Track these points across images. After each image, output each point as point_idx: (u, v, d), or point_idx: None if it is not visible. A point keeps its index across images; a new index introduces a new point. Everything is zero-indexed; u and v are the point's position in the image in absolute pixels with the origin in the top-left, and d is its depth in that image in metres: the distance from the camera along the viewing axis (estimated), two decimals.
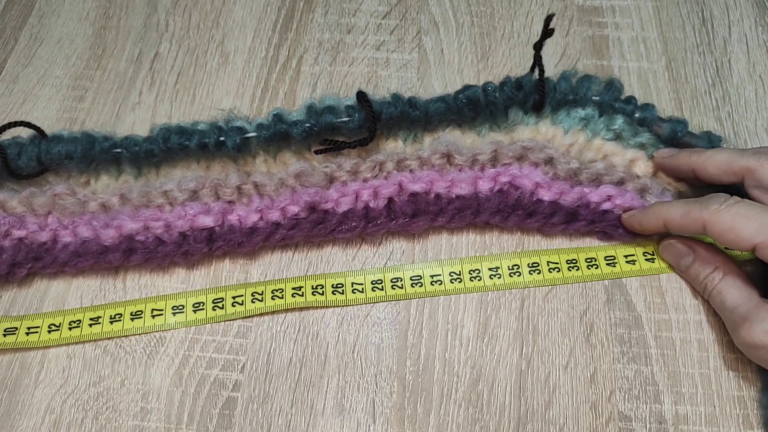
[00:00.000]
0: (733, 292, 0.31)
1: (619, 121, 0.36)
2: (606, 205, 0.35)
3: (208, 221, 0.35)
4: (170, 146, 0.34)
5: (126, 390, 0.33)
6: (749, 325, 0.30)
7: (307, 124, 0.34)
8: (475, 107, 0.36)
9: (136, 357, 0.34)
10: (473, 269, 0.35)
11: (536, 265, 0.35)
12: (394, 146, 0.37)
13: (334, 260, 0.36)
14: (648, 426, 0.32)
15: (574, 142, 0.37)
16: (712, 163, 0.33)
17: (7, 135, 0.36)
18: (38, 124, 0.41)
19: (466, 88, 0.36)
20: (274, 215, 0.35)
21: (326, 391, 0.33)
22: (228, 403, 0.33)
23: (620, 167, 0.36)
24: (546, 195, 0.35)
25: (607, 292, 0.35)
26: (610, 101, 0.36)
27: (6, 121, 0.41)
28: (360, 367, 0.33)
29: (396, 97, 0.35)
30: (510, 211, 0.36)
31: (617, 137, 0.36)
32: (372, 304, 0.35)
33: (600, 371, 0.33)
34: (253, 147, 0.35)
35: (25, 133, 0.36)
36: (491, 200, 0.35)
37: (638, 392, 0.32)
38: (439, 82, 0.42)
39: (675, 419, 0.32)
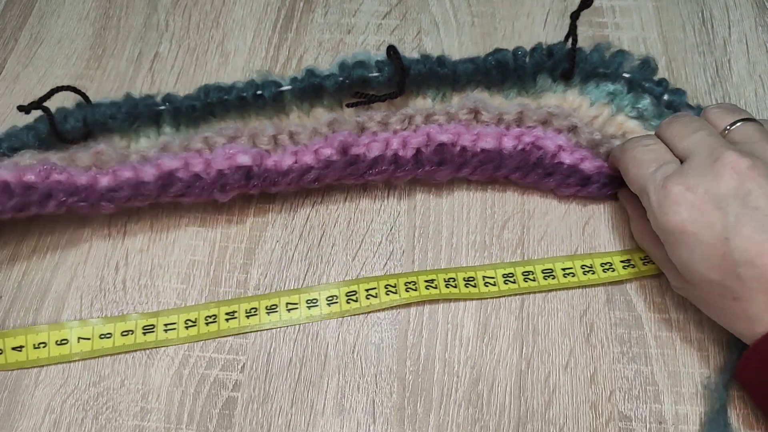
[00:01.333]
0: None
1: (645, 101, 0.36)
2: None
3: (245, 159, 0.35)
4: (210, 100, 0.36)
5: (126, 390, 0.33)
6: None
7: (339, 77, 0.36)
8: (503, 70, 0.37)
9: (136, 357, 0.34)
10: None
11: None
12: (423, 104, 0.38)
13: (334, 260, 0.36)
14: (648, 426, 0.32)
15: (599, 114, 0.37)
16: None
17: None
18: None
19: (497, 51, 0.37)
20: (308, 158, 0.36)
21: (326, 391, 0.33)
22: (228, 403, 0.33)
23: None
24: (567, 159, 0.36)
25: (607, 292, 0.35)
26: (640, 80, 0.36)
27: (6, 122, 0.41)
28: (360, 367, 0.33)
29: (425, 56, 0.37)
30: (530, 169, 0.37)
31: (640, 117, 0.37)
32: None
33: (600, 371, 0.33)
34: (287, 102, 0.37)
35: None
36: (513, 157, 0.36)
37: (638, 392, 0.32)
38: None
39: (675, 419, 0.32)
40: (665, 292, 0.35)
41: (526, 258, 0.36)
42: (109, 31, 0.46)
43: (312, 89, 0.36)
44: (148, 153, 0.36)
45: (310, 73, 0.37)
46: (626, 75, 0.37)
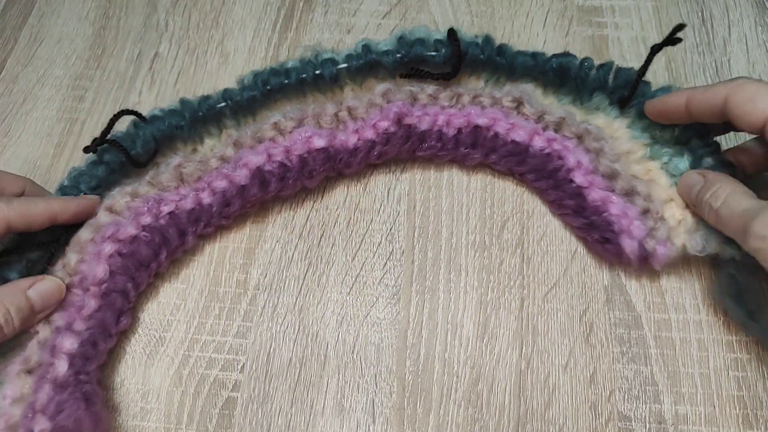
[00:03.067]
0: (744, 198, 0.30)
1: (683, 163, 0.35)
2: (614, 218, 0.34)
3: (321, 142, 0.36)
4: (271, 88, 0.37)
5: (126, 390, 0.33)
6: (764, 216, 0.28)
7: (398, 54, 0.37)
8: (562, 75, 0.37)
9: (135, 357, 0.34)
10: None
11: None
12: (475, 84, 0.39)
13: (334, 260, 0.36)
14: (648, 426, 0.32)
15: (633, 151, 0.36)
16: (701, 93, 0.32)
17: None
18: (38, 124, 0.41)
19: (564, 54, 0.37)
20: (369, 133, 0.37)
21: (326, 391, 0.33)
22: (228, 403, 0.33)
23: (655, 198, 0.35)
24: (579, 178, 0.35)
25: (606, 292, 0.35)
26: (690, 137, 0.35)
27: (5, 122, 0.41)
28: (360, 367, 0.33)
29: (486, 41, 0.37)
30: (545, 175, 0.37)
31: (669, 172, 0.35)
32: (372, 304, 0.35)
33: (600, 371, 0.33)
34: (342, 78, 0.37)
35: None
36: (536, 158, 0.37)
37: (638, 392, 0.32)
38: None
39: (675, 419, 0.32)
40: (665, 292, 0.35)
41: (525, 258, 0.36)
42: (108, 31, 0.45)
43: (369, 66, 0.37)
44: (224, 153, 0.36)
45: (367, 49, 0.37)
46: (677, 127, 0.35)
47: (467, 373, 0.33)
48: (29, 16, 0.46)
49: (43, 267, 0.33)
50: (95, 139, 0.34)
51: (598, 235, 0.35)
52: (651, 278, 0.35)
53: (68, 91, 0.43)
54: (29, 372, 0.30)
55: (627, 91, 0.36)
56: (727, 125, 0.34)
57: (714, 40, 0.44)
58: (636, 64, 0.42)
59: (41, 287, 0.31)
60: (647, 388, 0.33)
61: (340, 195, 0.38)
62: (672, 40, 0.34)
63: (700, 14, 0.45)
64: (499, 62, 0.37)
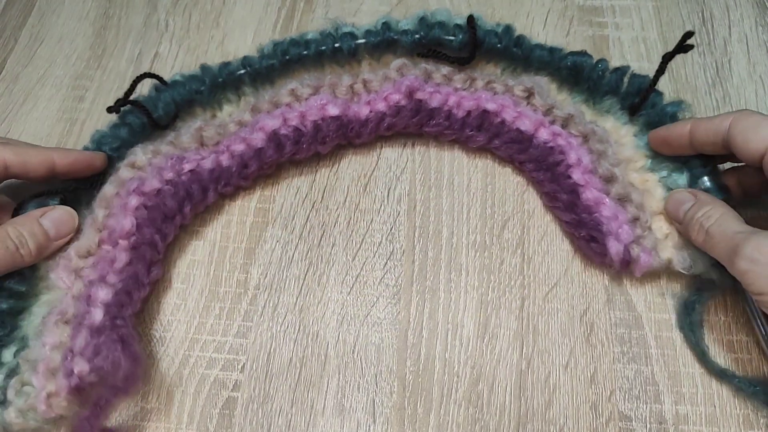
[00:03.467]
0: (735, 221, 0.30)
1: (681, 179, 0.35)
2: (604, 220, 0.34)
3: (335, 110, 0.37)
4: (289, 58, 0.38)
5: None
6: (757, 239, 0.28)
7: (416, 35, 0.38)
8: (576, 74, 0.37)
9: None
10: None
11: None
12: (492, 71, 0.40)
13: (334, 260, 0.36)
14: (648, 426, 0.32)
15: (634, 159, 0.36)
16: (702, 125, 0.32)
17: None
18: (38, 124, 0.41)
19: (581, 53, 0.37)
20: (380, 105, 0.38)
21: (326, 391, 0.33)
22: (228, 403, 0.33)
23: (646, 209, 0.35)
24: (577, 175, 0.36)
25: (607, 292, 0.35)
26: (689, 157, 0.35)
27: (6, 122, 0.41)
28: (360, 367, 0.33)
29: (506, 30, 0.38)
30: (545, 167, 0.37)
31: (666, 185, 0.35)
32: (372, 304, 0.35)
33: (600, 371, 0.33)
34: (361, 52, 0.38)
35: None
36: (538, 149, 0.37)
37: (638, 392, 0.32)
38: None
39: (675, 419, 0.32)
40: (665, 292, 0.35)
41: (526, 258, 0.36)
42: (109, 31, 0.46)
43: (386, 43, 0.38)
44: (242, 118, 0.38)
45: (386, 26, 0.38)
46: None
47: (468, 373, 0.33)
48: (29, 16, 0.46)
49: None
50: (118, 100, 0.35)
51: (585, 232, 0.35)
52: (651, 278, 0.35)
53: (68, 91, 0.43)
54: (66, 323, 0.31)
55: (638, 98, 0.36)
56: (727, 156, 0.34)
57: (714, 40, 0.44)
58: (636, 64, 0.42)
59: (53, 215, 0.32)
60: (648, 388, 0.33)
61: (340, 195, 0.38)
62: (683, 47, 0.34)
63: (700, 14, 0.45)
64: (515, 53, 0.38)
